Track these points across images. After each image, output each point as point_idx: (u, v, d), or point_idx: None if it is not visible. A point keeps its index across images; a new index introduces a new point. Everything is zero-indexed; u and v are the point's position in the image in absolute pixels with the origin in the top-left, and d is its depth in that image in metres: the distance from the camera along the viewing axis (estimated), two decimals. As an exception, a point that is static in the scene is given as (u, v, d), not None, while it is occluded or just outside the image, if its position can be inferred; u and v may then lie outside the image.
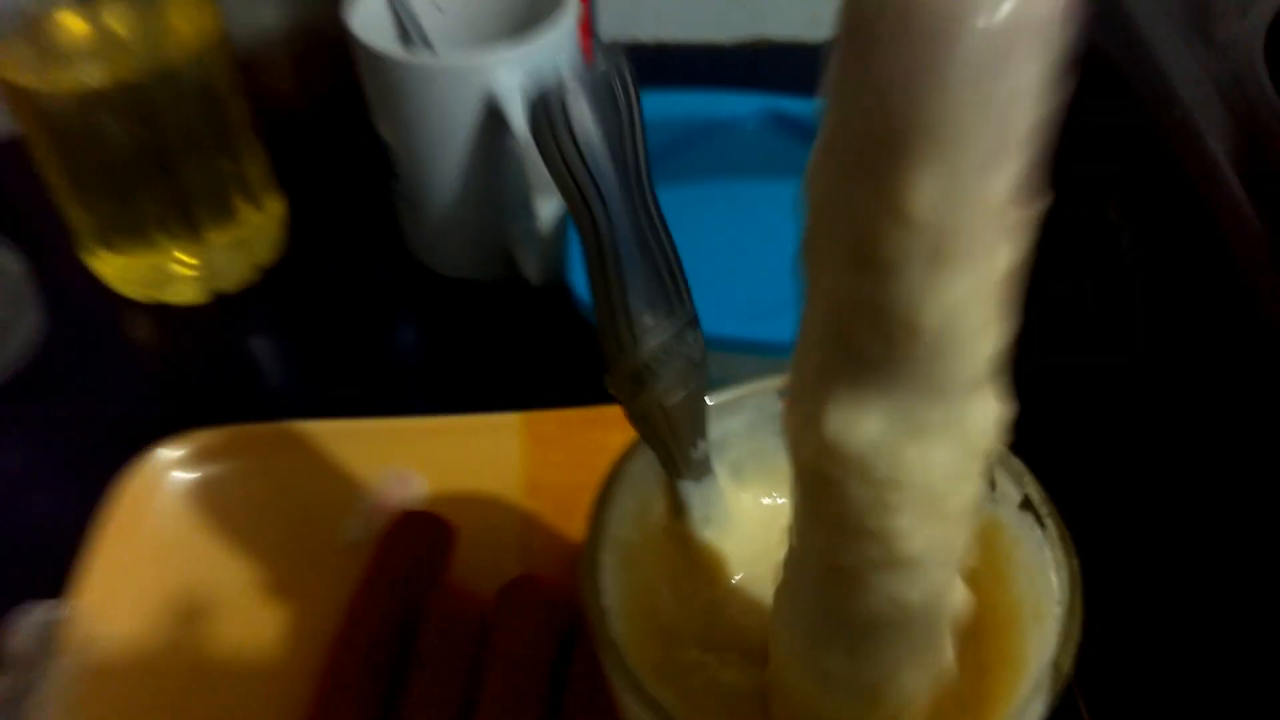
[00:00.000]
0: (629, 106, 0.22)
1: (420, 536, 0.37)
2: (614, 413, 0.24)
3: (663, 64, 0.64)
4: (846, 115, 0.15)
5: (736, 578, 0.25)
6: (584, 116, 0.22)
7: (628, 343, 0.23)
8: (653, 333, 0.23)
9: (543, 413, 0.42)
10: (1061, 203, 0.55)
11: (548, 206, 0.45)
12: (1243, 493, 0.36)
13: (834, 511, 0.17)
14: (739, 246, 0.42)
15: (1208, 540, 0.37)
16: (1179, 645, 0.36)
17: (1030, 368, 0.50)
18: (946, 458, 0.16)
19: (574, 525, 0.39)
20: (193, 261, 0.49)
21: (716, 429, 0.25)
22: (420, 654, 0.34)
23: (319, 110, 0.59)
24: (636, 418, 0.24)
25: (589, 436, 0.41)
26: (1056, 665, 0.20)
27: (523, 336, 0.49)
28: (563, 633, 0.35)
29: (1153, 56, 0.43)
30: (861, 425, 0.16)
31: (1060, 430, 0.44)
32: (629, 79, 0.22)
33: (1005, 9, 0.13)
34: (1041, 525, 0.22)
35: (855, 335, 0.16)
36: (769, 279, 0.40)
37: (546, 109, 0.21)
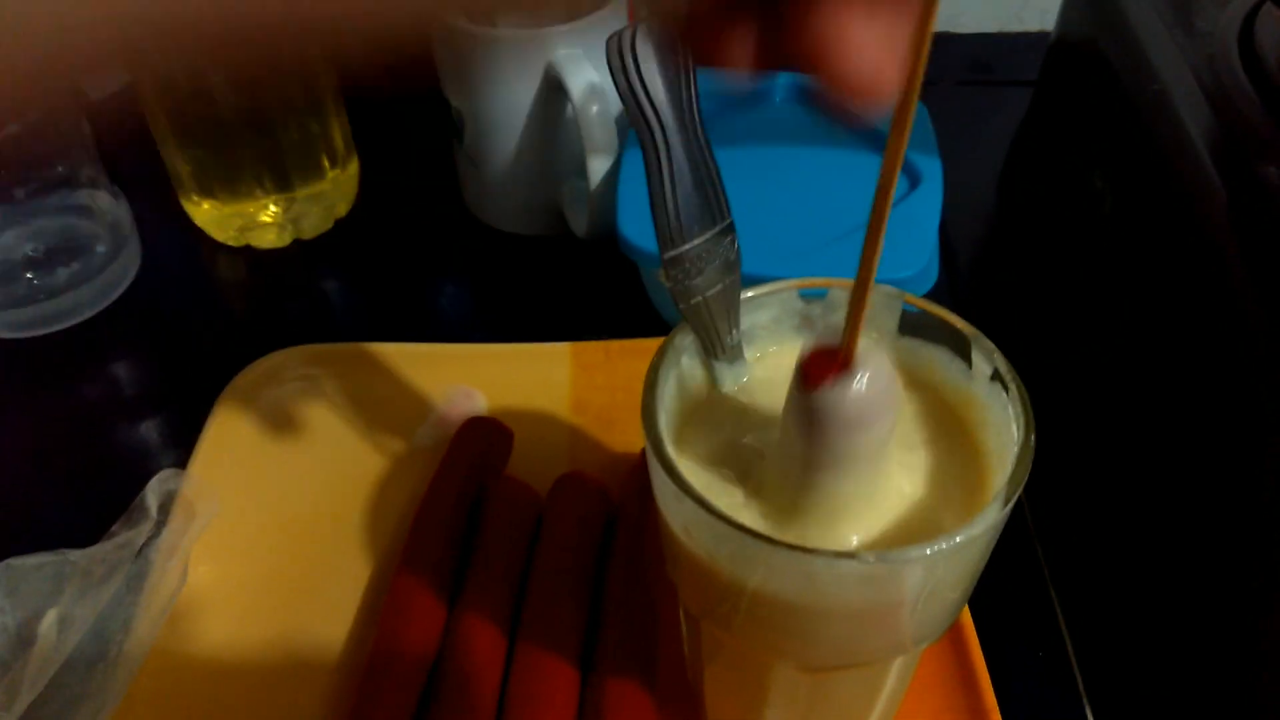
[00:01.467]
0: (684, 49, 0.28)
1: (484, 436, 0.43)
2: (649, 345, 0.30)
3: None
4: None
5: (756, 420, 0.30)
6: (648, 54, 0.27)
7: (678, 240, 0.29)
8: (698, 233, 0.29)
9: (589, 343, 0.48)
10: (1053, 172, 0.61)
11: (597, 170, 0.51)
12: (1183, 396, 0.42)
13: None
14: (767, 200, 0.48)
15: (1139, 413, 0.44)
16: (1111, 484, 0.45)
17: (1022, 307, 0.56)
18: None
19: (614, 438, 0.45)
20: (279, 211, 0.55)
21: (746, 321, 0.31)
22: (486, 532, 0.39)
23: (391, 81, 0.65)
24: (683, 303, 0.30)
25: (628, 364, 0.47)
26: (1011, 482, 0.25)
27: (572, 282, 0.55)
28: (606, 519, 0.40)
29: (1137, 42, 0.48)
30: None
31: (1038, 343, 0.50)
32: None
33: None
34: (1006, 390, 0.28)
35: None
36: (792, 227, 0.46)
37: (620, 47, 0.27)
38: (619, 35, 0.27)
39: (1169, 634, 0.40)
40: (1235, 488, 0.38)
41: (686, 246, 0.29)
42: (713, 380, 0.31)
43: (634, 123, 0.28)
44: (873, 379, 0.24)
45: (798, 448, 0.26)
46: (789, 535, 0.27)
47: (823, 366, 0.24)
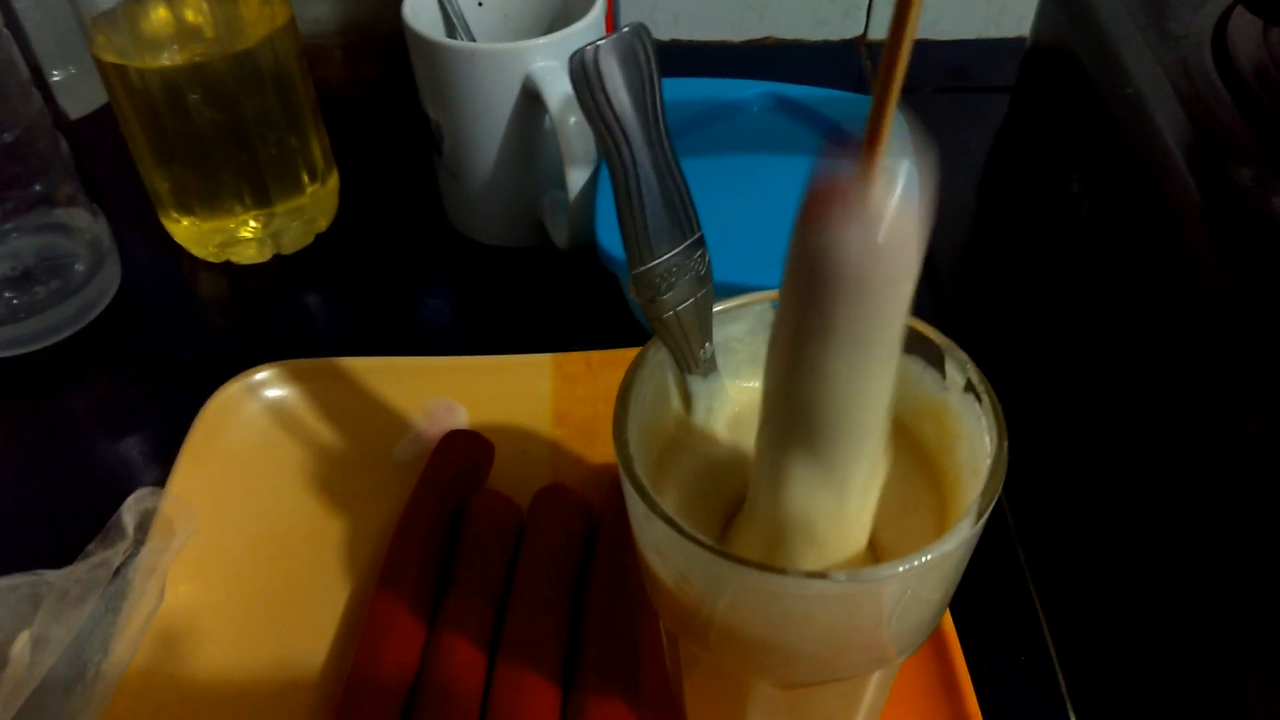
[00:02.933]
0: (648, 64, 0.28)
1: (465, 449, 0.43)
2: (631, 355, 0.30)
3: (680, 59, 0.70)
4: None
5: (732, 446, 0.30)
6: (613, 71, 0.27)
7: (647, 256, 0.29)
8: (667, 248, 0.29)
9: (570, 354, 0.48)
10: (1031, 176, 0.61)
11: (576, 181, 0.51)
12: (1155, 403, 0.42)
13: None
14: (744, 209, 0.48)
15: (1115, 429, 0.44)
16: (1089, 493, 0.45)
17: (1003, 310, 0.56)
18: None
19: (596, 449, 0.45)
20: (259, 226, 0.55)
21: (720, 333, 0.31)
22: (467, 546, 0.39)
23: (367, 94, 0.65)
24: (654, 320, 0.29)
25: (609, 375, 0.47)
26: (984, 496, 0.25)
27: (553, 293, 0.55)
28: (587, 531, 0.40)
29: (1112, 46, 0.48)
30: None
31: (1018, 347, 0.50)
32: (648, 43, 0.27)
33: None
34: (979, 401, 0.28)
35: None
36: (769, 236, 0.46)
37: (584, 64, 0.27)
38: (582, 52, 0.27)
39: (1152, 638, 0.40)
40: (1216, 491, 0.38)
41: (655, 262, 0.29)
42: (686, 395, 0.31)
43: (600, 139, 0.28)
44: (900, 213, 0.19)
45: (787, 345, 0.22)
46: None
47: (835, 192, 0.19)
